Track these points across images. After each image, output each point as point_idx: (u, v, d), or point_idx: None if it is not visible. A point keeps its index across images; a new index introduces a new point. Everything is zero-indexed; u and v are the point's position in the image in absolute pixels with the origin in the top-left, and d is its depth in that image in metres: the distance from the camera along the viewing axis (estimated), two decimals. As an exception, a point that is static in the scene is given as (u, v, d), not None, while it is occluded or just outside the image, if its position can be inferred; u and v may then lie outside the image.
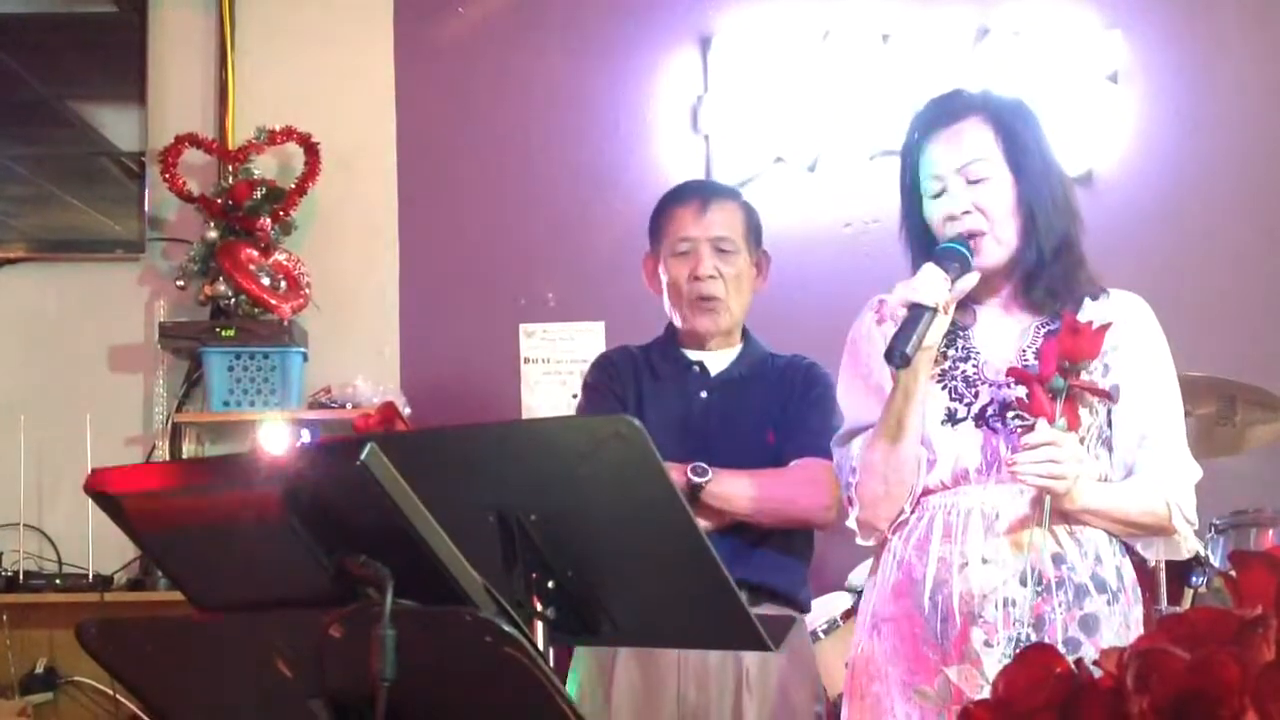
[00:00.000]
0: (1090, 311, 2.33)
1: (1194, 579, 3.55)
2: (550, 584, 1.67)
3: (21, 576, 4.21)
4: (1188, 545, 2.34)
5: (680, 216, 2.94)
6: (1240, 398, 3.51)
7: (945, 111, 2.37)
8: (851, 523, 2.42)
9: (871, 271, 2.56)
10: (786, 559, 2.76)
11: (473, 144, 4.65)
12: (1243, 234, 4.57)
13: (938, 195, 2.32)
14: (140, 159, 4.52)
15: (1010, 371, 2.26)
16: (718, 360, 2.94)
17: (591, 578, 1.68)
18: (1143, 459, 2.29)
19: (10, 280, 4.57)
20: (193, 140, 4.46)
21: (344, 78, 4.65)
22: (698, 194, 2.98)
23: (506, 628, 1.24)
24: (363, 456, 1.27)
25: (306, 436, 4.16)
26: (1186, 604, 3.53)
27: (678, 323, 2.95)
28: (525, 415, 4.28)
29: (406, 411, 4.27)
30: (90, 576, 4.19)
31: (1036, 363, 2.25)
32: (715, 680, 2.68)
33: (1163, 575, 3.39)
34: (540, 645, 1.66)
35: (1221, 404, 3.54)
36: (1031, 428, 2.19)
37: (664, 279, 2.95)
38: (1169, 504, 2.26)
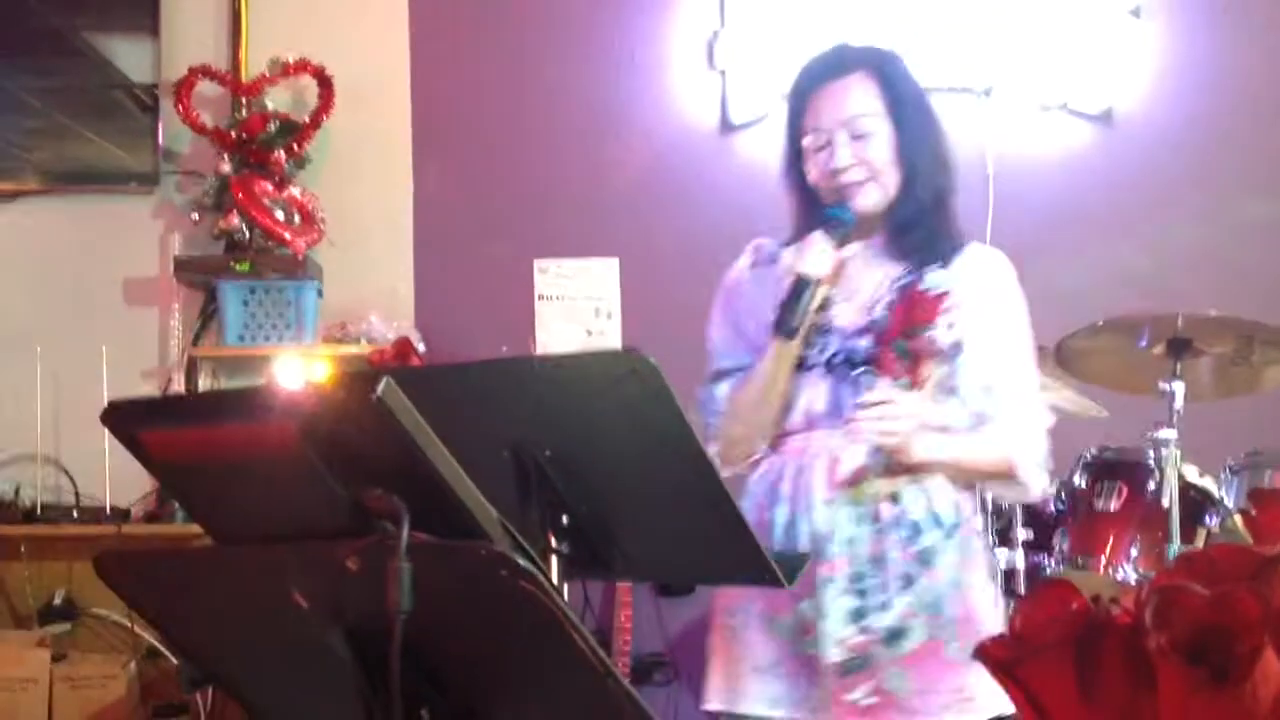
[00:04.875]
0: (953, 267, 2.38)
1: (1208, 519, 3.55)
2: (565, 520, 1.68)
3: (39, 509, 4.25)
4: (1034, 490, 2.42)
5: None
6: (1258, 337, 3.48)
7: (832, 66, 2.40)
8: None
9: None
10: None
11: (487, 78, 4.62)
12: (1262, 172, 4.54)
13: (821, 148, 2.37)
14: (153, 91, 4.51)
15: (862, 331, 2.34)
16: None
17: (606, 514, 1.68)
18: (990, 408, 2.36)
19: (25, 212, 4.57)
20: (206, 72, 4.44)
21: (358, 10, 4.62)
22: None
23: (521, 562, 1.24)
24: (379, 391, 1.26)
25: (322, 371, 4.17)
26: (1200, 544, 3.53)
27: None
28: (539, 352, 4.28)
29: (421, 347, 4.28)
30: (108, 509, 4.22)
31: (886, 315, 2.33)
32: None
33: (1175, 514, 3.39)
34: (555, 580, 1.67)
35: (1238, 343, 3.52)
36: (873, 386, 2.29)
37: None
38: (1012, 454, 2.35)
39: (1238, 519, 3.48)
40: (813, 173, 2.38)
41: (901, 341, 2.29)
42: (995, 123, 4.53)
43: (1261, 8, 4.56)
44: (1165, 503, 3.39)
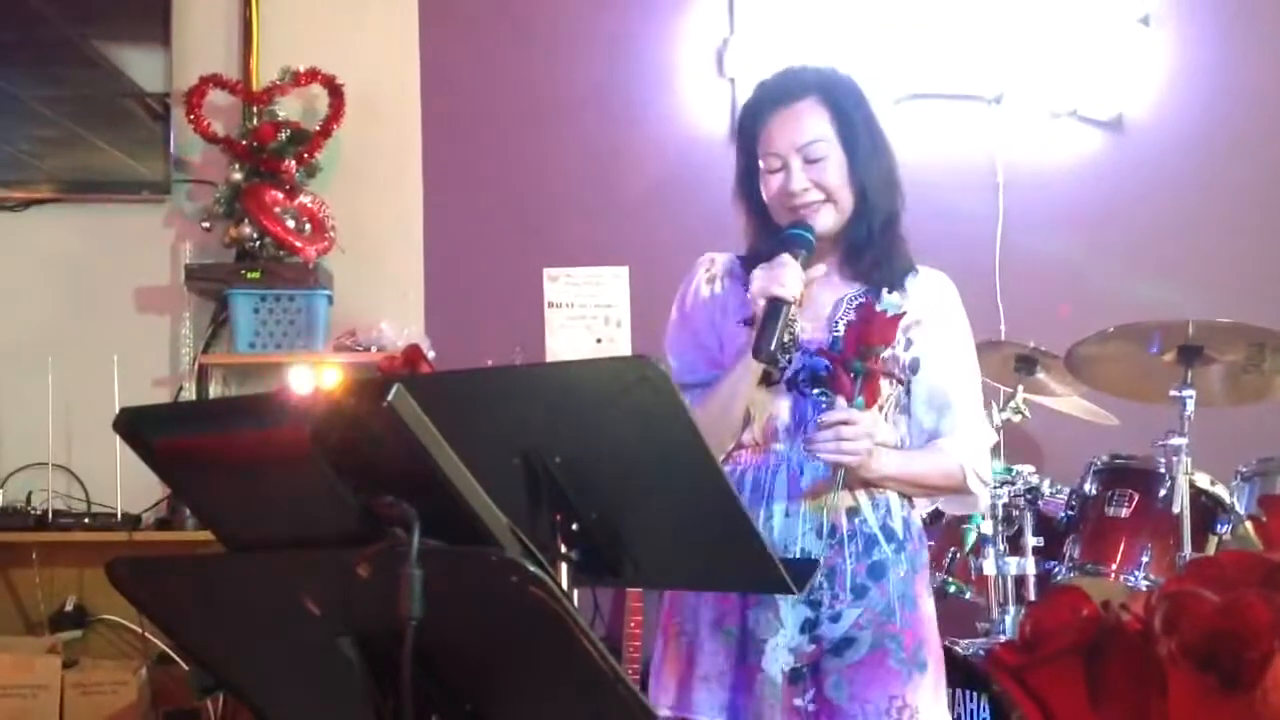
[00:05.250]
0: (908, 289, 2.44)
1: (1219, 526, 3.54)
2: (574, 526, 1.68)
3: (51, 515, 4.26)
4: (981, 503, 2.55)
5: None
6: (1268, 345, 3.48)
7: (783, 91, 2.44)
8: None
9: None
10: None
11: (497, 85, 4.63)
12: (1273, 179, 4.53)
13: (776, 171, 2.41)
14: (165, 100, 4.52)
15: (818, 351, 2.38)
16: None
17: (615, 520, 1.68)
18: (941, 425, 2.44)
19: (37, 221, 4.59)
20: (217, 81, 4.46)
21: (368, 18, 4.63)
22: None
23: (531, 568, 1.24)
24: (389, 398, 1.27)
25: (332, 378, 4.18)
26: (1211, 551, 3.52)
27: None
28: (549, 359, 4.28)
29: (431, 354, 4.29)
30: (119, 516, 4.23)
31: (842, 336, 2.39)
32: None
33: (1186, 521, 3.39)
34: (565, 586, 1.67)
35: (1249, 351, 3.51)
36: (831, 405, 2.33)
37: None
38: (963, 468, 2.42)
39: (1249, 526, 3.47)
40: (767, 194, 2.43)
41: (856, 361, 2.34)
42: (1005, 130, 4.53)
43: (1270, 15, 4.55)
44: (1176, 510, 3.39)
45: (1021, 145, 4.54)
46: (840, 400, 2.33)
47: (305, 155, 4.41)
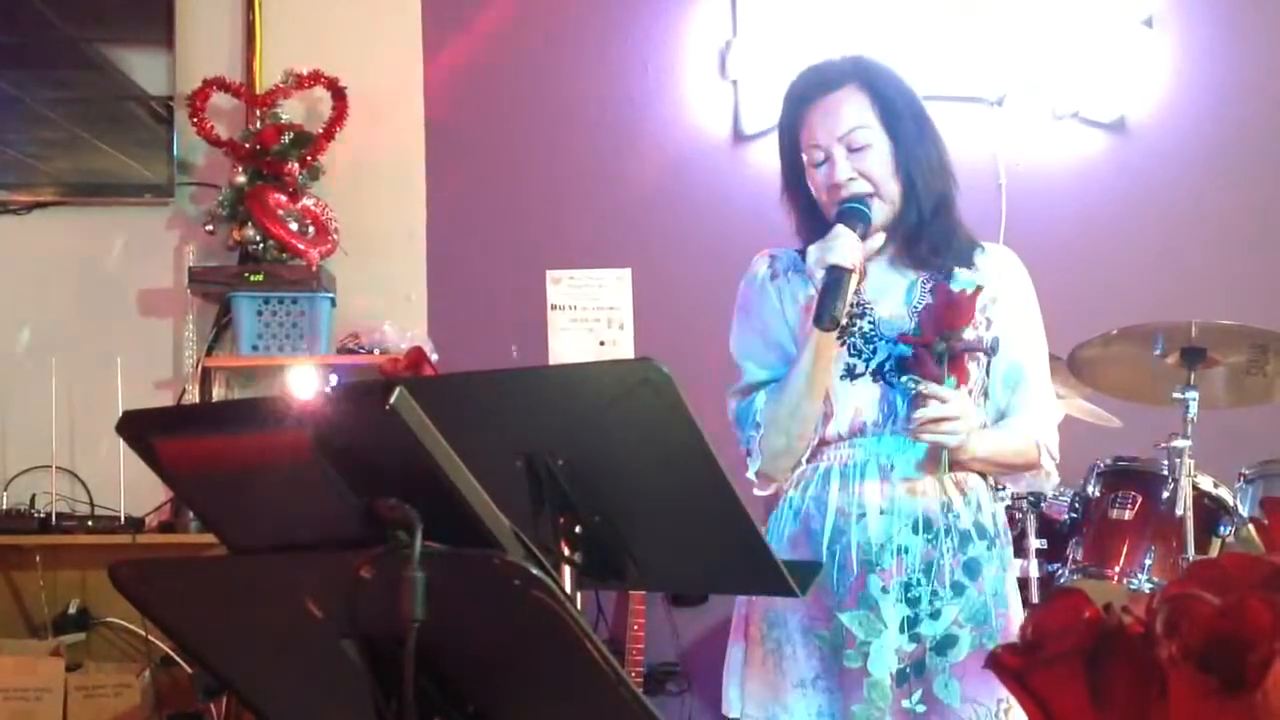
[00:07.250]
0: (979, 267, 2.41)
1: (1222, 528, 3.54)
2: (577, 529, 1.68)
3: (54, 518, 4.26)
4: (1052, 481, 2.48)
5: None
6: (1271, 347, 3.48)
7: (821, 81, 2.40)
8: (751, 475, 2.44)
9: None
10: None
11: (500, 88, 4.64)
12: (1275, 181, 4.53)
13: (820, 164, 2.37)
14: (168, 103, 4.53)
15: (900, 338, 2.34)
16: None
17: (619, 523, 1.68)
18: (1014, 402, 2.41)
19: (40, 224, 4.60)
20: (220, 84, 4.46)
21: (371, 21, 4.64)
22: None
23: (534, 571, 1.24)
24: (392, 401, 1.27)
25: (334, 381, 4.18)
26: (1214, 553, 3.52)
27: None
28: (552, 361, 4.29)
29: (434, 357, 4.29)
30: (122, 518, 4.24)
31: (921, 319, 2.35)
32: None
33: (1189, 524, 3.39)
34: (567, 590, 1.67)
35: (1252, 353, 3.51)
36: (921, 389, 2.29)
37: None
38: (1038, 444, 2.39)
39: (1251, 528, 3.47)
40: (814, 189, 2.39)
41: (940, 343, 2.28)
42: (1008, 131, 4.53)
43: (1273, 17, 4.55)
44: (1179, 512, 3.39)
45: (1024, 147, 4.54)
46: (929, 385, 2.27)
47: (308, 158, 4.41)
